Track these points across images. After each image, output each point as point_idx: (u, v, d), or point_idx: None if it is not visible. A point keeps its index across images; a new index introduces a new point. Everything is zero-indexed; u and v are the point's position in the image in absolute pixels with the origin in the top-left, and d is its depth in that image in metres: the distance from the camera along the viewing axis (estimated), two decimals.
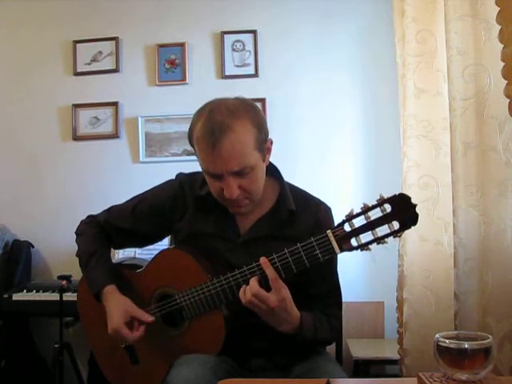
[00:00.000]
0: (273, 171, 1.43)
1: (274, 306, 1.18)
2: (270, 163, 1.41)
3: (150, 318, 1.36)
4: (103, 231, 1.53)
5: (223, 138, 1.20)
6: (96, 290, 1.42)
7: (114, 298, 1.39)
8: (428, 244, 1.83)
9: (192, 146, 1.31)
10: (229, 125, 1.21)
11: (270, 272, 1.19)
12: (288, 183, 1.44)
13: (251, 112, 1.27)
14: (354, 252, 1.15)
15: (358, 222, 1.13)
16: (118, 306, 1.36)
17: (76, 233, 1.55)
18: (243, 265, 1.25)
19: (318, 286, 1.38)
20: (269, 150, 1.35)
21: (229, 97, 1.31)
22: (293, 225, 1.38)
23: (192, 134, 1.29)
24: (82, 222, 1.58)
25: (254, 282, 1.19)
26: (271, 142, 1.35)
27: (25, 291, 2.49)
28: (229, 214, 1.39)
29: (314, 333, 1.30)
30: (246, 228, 1.39)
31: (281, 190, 1.41)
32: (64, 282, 2.23)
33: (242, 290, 1.21)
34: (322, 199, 1.47)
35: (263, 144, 1.30)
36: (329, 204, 1.47)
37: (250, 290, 1.18)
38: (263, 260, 1.20)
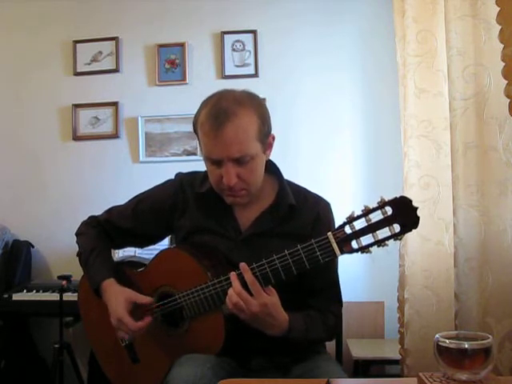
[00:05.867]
0: (272, 168, 1.44)
1: (256, 310, 1.18)
2: (270, 161, 1.42)
3: (146, 299, 1.35)
4: (103, 230, 1.52)
5: (227, 123, 1.23)
6: (95, 285, 1.41)
7: (113, 290, 1.38)
8: (429, 244, 1.83)
9: (196, 132, 1.34)
10: (234, 111, 1.24)
11: (249, 277, 1.19)
12: (287, 180, 1.44)
13: (256, 104, 1.31)
14: (354, 254, 1.15)
15: (359, 224, 1.12)
16: (117, 297, 1.36)
17: (76, 233, 1.55)
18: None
19: (316, 281, 1.37)
20: (270, 145, 1.37)
21: (236, 89, 1.33)
22: (293, 220, 1.38)
23: (197, 119, 1.31)
24: (82, 222, 1.57)
25: (237, 283, 1.19)
26: (273, 138, 1.37)
27: (25, 291, 2.49)
28: (229, 211, 1.40)
29: (305, 333, 1.30)
30: (246, 225, 1.39)
31: (280, 187, 1.42)
32: (64, 282, 2.23)
33: (228, 295, 1.20)
34: None
35: (265, 137, 1.32)
36: None
37: (234, 290, 1.18)
38: (242, 265, 1.20)
